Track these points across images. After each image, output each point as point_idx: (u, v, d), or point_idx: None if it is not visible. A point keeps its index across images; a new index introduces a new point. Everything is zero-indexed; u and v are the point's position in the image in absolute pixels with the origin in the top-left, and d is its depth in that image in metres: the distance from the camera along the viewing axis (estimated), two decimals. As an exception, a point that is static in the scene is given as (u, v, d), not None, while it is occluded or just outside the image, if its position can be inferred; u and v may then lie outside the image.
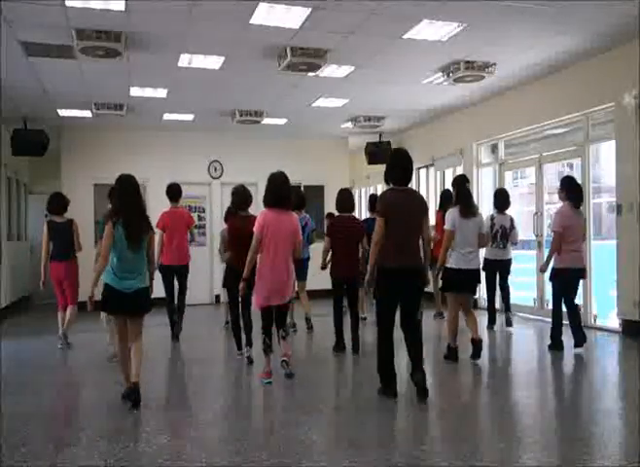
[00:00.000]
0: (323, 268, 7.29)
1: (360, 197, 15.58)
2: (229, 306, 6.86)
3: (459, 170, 11.19)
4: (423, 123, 11.95)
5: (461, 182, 6.59)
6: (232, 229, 6.57)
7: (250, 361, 6.27)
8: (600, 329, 7.91)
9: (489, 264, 8.01)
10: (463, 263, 6.11)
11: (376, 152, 12.51)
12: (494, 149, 10.52)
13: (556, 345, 6.65)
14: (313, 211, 10.70)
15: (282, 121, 11.44)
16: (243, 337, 6.47)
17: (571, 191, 6.60)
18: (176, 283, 7.89)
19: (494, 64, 7.97)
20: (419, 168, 12.22)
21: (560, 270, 6.54)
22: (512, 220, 8.10)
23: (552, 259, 6.61)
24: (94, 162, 11.34)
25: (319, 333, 8.19)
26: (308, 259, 8.09)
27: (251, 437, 4.16)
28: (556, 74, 8.54)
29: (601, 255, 8.13)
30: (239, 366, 6.36)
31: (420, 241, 5.02)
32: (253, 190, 6.98)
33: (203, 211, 12.38)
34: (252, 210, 6.62)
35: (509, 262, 8.16)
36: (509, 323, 8.20)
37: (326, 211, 11.62)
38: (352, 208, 7.21)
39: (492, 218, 7.97)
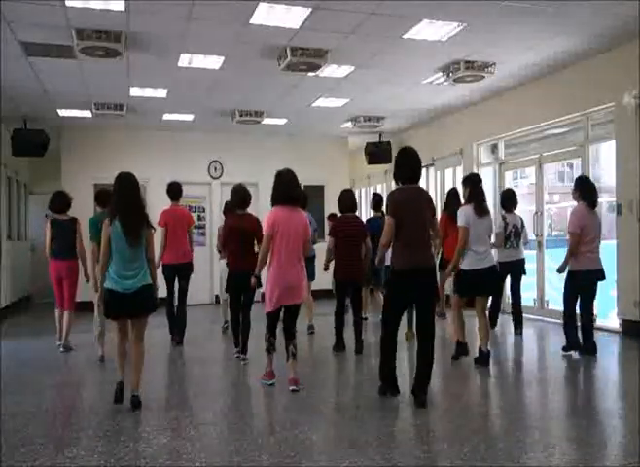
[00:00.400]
0: (325, 269, 7.28)
1: (360, 197, 15.57)
2: (229, 305, 6.83)
3: (459, 170, 11.20)
4: (423, 123, 11.95)
5: (475, 181, 6.31)
6: (228, 226, 6.56)
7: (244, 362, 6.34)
8: (600, 329, 7.90)
9: (502, 266, 7.47)
10: (476, 263, 5.96)
11: (376, 152, 12.53)
12: (494, 149, 10.52)
13: (572, 346, 6.42)
14: (313, 211, 10.67)
15: (282, 121, 11.44)
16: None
17: (585, 190, 6.40)
18: (176, 285, 7.81)
19: (494, 64, 7.97)
20: (419, 168, 12.21)
21: (575, 273, 6.31)
22: (521, 219, 7.93)
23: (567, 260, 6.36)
24: (94, 163, 11.34)
25: (319, 333, 8.19)
26: (314, 257, 8.07)
27: (251, 437, 4.16)
28: (556, 74, 8.54)
29: (601, 255, 8.10)
30: (239, 366, 6.36)
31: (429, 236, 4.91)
32: (253, 190, 7.00)
33: (203, 211, 12.39)
34: (250, 210, 6.64)
35: (523, 261, 7.90)
36: (519, 331, 7.83)
37: (326, 211, 11.62)
38: (354, 208, 7.20)
39: (504, 218, 7.72)
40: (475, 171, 9.65)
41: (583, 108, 8.19)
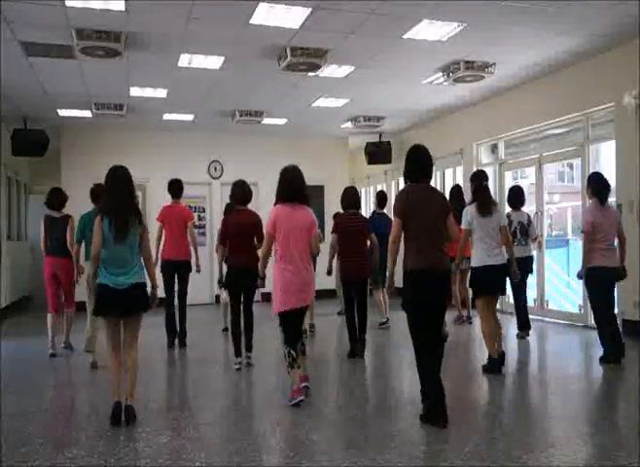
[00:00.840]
0: (329, 273, 7.00)
1: (360, 197, 15.54)
2: (230, 306, 6.70)
3: (459, 170, 11.20)
4: (423, 123, 11.95)
5: (479, 177, 6.13)
6: (228, 222, 6.46)
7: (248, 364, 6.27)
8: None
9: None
10: (488, 259, 5.80)
11: (376, 152, 12.53)
12: (494, 149, 10.52)
13: (608, 357, 6.07)
14: (313, 211, 10.67)
15: (282, 121, 11.44)
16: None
17: (597, 186, 6.19)
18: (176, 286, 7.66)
19: (494, 64, 7.98)
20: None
21: (590, 270, 6.06)
22: (529, 216, 7.79)
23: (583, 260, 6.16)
24: (94, 163, 11.29)
25: (320, 333, 8.19)
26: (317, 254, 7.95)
27: (251, 437, 4.16)
28: (556, 74, 8.54)
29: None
30: (239, 366, 6.35)
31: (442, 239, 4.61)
32: (253, 190, 6.95)
33: (203, 211, 12.39)
34: (250, 209, 6.60)
35: (530, 259, 7.79)
36: (524, 334, 7.67)
37: (326, 211, 11.62)
38: (357, 205, 7.09)
39: (508, 216, 7.50)
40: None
41: (583, 108, 8.19)
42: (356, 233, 6.83)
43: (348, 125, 11.86)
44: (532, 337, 7.68)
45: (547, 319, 8.78)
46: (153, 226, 7.60)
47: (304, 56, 7.20)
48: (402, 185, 13.32)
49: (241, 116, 10.56)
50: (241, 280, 6.13)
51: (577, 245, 9.08)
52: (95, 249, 4.50)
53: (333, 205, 7.57)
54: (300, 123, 11.70)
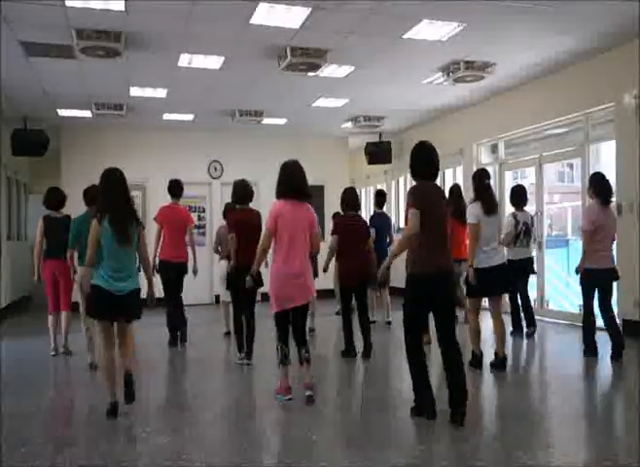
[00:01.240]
0: (325, 270, 7.17)
1: (360, 197, 15.55)
2: (232, 305, 6.69)
3: (459, 170, 11.20)
4: (423, 123, 11.95)
5: (480, 176, 6.06)
6: (234, 222, 6.36)
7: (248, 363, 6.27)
8: (600, 329, 7.88)
9: (511, 264, 7.03)
10: (486, 261, 5.73)
11: (376, 152, 12.53)
12: (494, 149, 10.52)
13: (590, 351, 6.29)
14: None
15: (282, 121, 11.45)
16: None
17: (599, 187, 6.21)
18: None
19: (494, 64, 7.98)
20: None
21: (586, 271, 6.15)
22: (532, 217, 7.74)
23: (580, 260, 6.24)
24: (94, 163, 11.22)
25: (320, 333, 8.19)
26: (317, 253, 7.97)
27: (251, 437, 4.16)
28: (556, 74, 8.54)
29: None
30: (239, 366, 6.35)
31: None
32: (254, 189, 6.94)
33: (203, 211, 12.40)
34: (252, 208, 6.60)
35: (532, 260, 7.77)
36: (529, 335, 7.65)
37: (326, 211, 11.62)
38: (357, 207, 7.08)
39: (515, 216, 7.40)
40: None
41: (583, 108, 8.19)
42: (356, 233, 6.81)
43: (348, 125, 11.86)
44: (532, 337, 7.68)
45: (547, 319, 8.78)
46: (151, 226, 7.64)
47: (304, 56, 7.20)
48: (402, 185, 13.42)
49: (241, 116, 10.56)
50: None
51: (577, 245, 9.06)
52: (91, 256, 4.50)
53: (333, 205, 7.57)
54: (300, 123, 11.70)
